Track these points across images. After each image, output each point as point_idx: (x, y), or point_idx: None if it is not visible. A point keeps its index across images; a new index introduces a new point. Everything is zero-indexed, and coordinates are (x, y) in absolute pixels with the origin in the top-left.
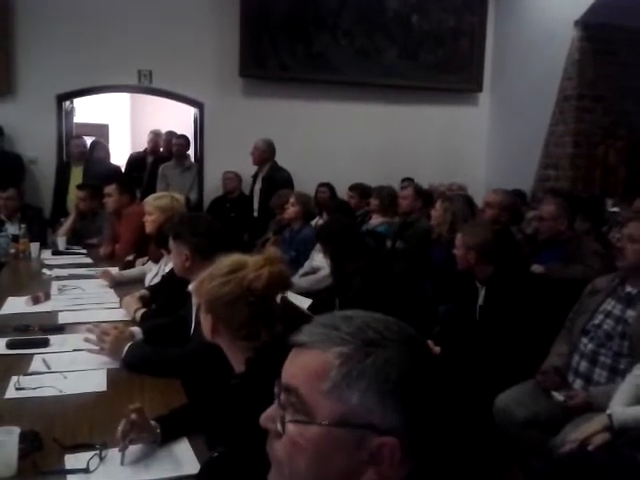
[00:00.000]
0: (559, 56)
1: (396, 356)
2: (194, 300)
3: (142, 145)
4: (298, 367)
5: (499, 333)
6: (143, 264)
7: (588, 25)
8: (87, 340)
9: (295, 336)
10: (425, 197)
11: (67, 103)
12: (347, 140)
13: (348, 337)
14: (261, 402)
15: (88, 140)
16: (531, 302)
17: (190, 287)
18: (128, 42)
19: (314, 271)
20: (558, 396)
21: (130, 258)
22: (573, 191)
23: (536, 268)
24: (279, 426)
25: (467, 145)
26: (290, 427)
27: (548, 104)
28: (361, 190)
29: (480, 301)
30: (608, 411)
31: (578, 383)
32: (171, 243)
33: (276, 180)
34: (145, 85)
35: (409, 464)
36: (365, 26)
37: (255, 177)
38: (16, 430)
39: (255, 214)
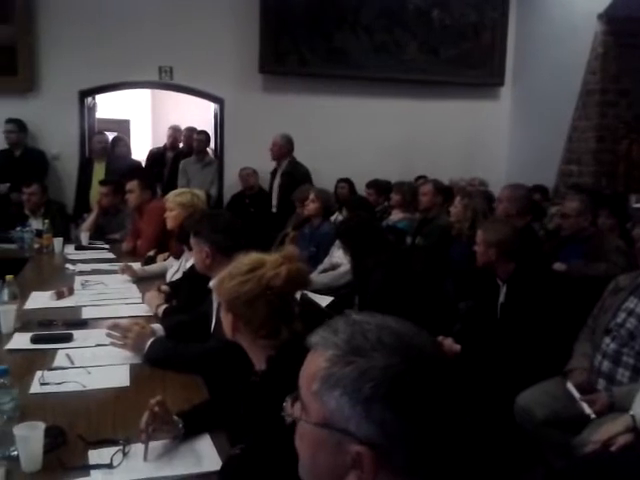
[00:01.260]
0: (582, 50)
1: (377, 367)
2: (215, 296)
3: (163, 141)
4: (304, 367)
5: (521, 331)
6: (164, 259)
7: (611, 19)
8: (110, 336)
9: (308, 337)
10: (446, 193)
11: (89, 99)
12: (367, 135)
13: (340, 342)
14: (282, 400)
15: (110, 136)
16: (553, 300)
17: (211, 284)
18: (149, 39)
19: (333, 267)
20: (586, 408)
21: (151, 254)
22: (596, 187)
23: (558, 266)
24: (289, 419)
25: (488, 140)
26: (300, 421)
27: (571, 98)
28: (378, 187)
29: (501, 299)
30: (631, 412)
31: (601, 383)
32: (192, 240)
33: (295, 175)
34: (166, 81)
35: (396, 476)
36: (385, 21)
37: (274, 173)
38: (41, 425)
39: (274, 210)
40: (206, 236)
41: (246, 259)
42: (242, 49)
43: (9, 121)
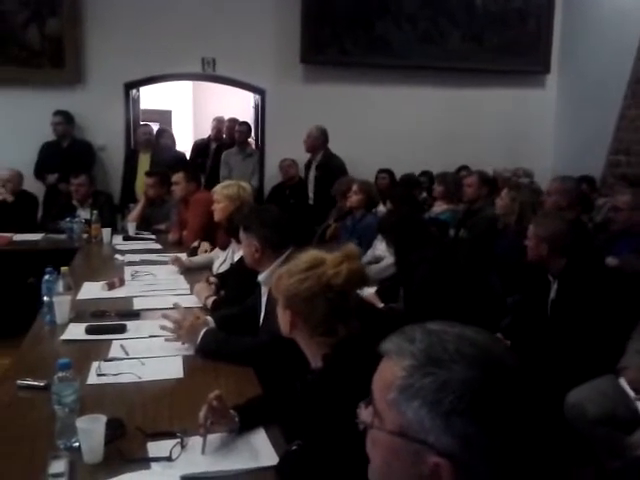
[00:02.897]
0: (632, 36)
1: (458, 380)
2: (263, 290)
3: (204, 131)
4: (377, 374)
5: (572, 328)
6: (206, 250)
7: None
8: (163, 328)
9: (382, 344)
10: (490, 184)
11: (134, 91)
12: (408, 125)
13: (417, 352)
14: (339, 398)
15: (154, 127)
16: (606, 296)
17: (260, 278)
18: (192, 30)
19: (377, 260)
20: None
21: (196, 244)
22: None
23: (611, 261)
24: (361, 426)
25: (533, 129)
26: (373, 428)
27: (620, 86)
28: (408, 181)
29: (552, 295)
30: None
31: None
32: (241, 234)
33: (331, 167)
34: (209, 73)
35: None
36: (428, 10)
37: (308, 165)
38: (103, 418)
39: (311, 202)
40: (255, 231)
41: (305, 256)
42: (283, 39)
43: (57, 113)
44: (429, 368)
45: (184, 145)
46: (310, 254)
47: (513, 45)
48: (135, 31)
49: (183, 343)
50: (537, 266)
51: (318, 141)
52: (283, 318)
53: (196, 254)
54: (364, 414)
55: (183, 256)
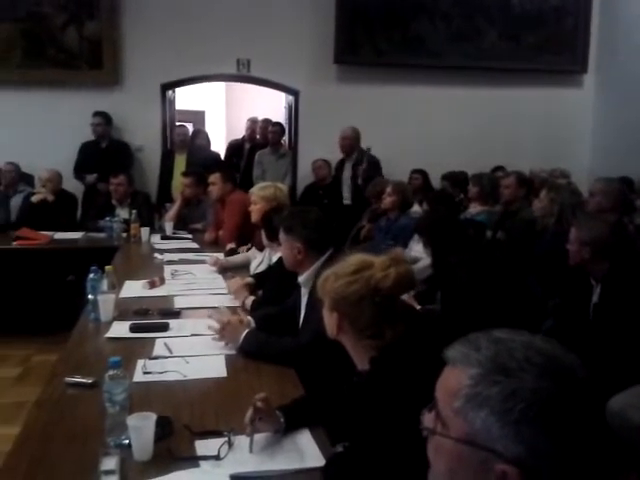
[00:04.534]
0: None
1: (527, 389)
2: (303, 291)
3: (237, 131)
4: (441, 381)
5: (617, 332)
6: (247, 250)
7: None
8: (210, 328)
9: (446, 351)
10: (527, 185)
11: (170, 92)
12: (442, 125)
13: (484, 360)
14: (388, 401)
15: (189, 127)
16: None
17: (300, 279)
18: (228, 32)
19: (412, 261)
20: None
21: (233, 246)
22: None
23: None
24: (425, 432)
25: (570, 129)
26: (437, 435)
27: None
28: (453, 179)
29: (595, 299)
30: None
31: None
32: (282, 236)
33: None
34: (244, 74)
35: None
36: (464, 8)
37: (341, 165)
38: (153, 416)
39: (346, 202)
40: (297, 232)
41: (352, 259)
42: (317, 40)
43: (96, 114)
44: (496, 376)
45: (217, 145)
46: (357, 257)
47: (550, 44)
48: (172, 33)
49: (226, 344)
50: (578, 269)
51: (355, 142)
52: (329, 321)
53: (236, 253)
54: (427, 420)
55: (220, 256)
